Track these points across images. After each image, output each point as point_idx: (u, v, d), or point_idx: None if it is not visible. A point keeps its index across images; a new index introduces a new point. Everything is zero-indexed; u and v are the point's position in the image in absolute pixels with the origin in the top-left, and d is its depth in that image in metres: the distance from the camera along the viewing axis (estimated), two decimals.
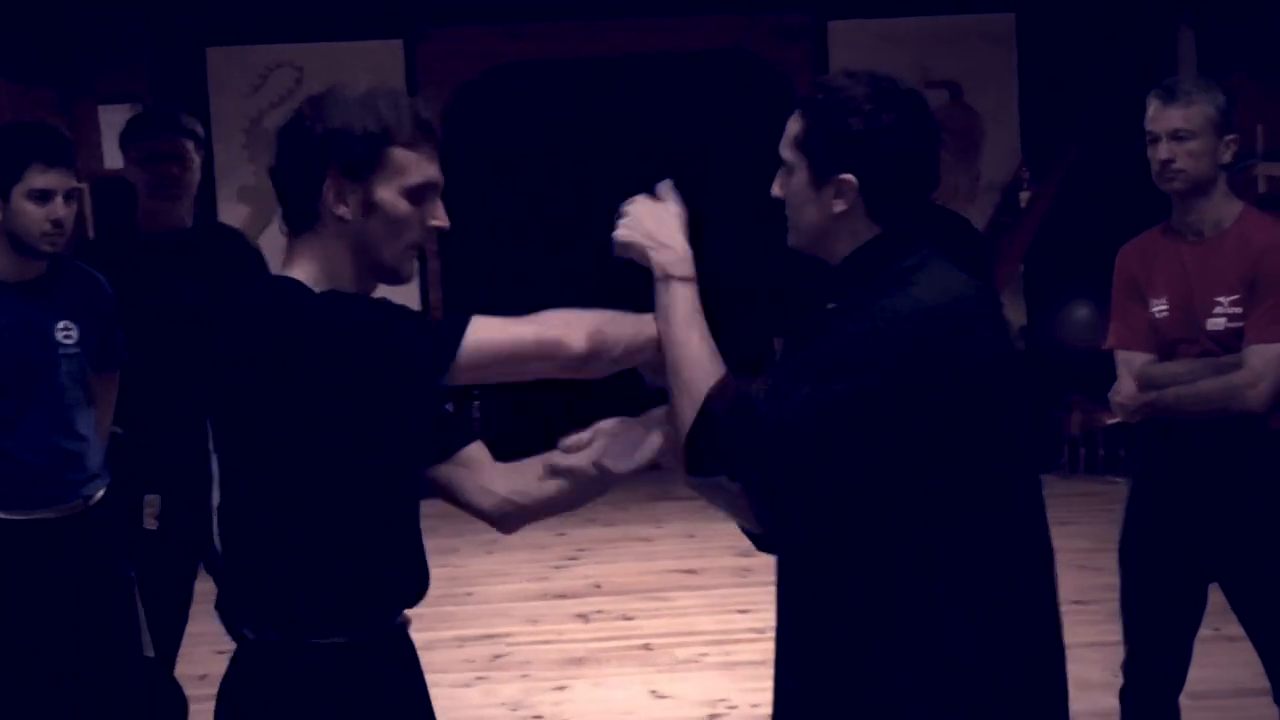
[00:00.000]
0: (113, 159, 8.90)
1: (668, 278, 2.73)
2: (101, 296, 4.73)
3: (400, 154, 2.72)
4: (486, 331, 2.63)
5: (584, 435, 2.87)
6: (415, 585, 2.87)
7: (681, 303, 2.72)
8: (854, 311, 2.66)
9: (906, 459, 2.59)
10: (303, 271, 2.74)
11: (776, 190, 2.83)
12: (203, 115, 8.83)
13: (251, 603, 2.78)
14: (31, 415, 4.52)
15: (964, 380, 2.59)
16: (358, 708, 2.76)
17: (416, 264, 2.89)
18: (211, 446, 2.81)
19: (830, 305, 2.78)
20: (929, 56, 9.83)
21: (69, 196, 4.49)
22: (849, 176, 2.70)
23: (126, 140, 5.36)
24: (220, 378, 2.74)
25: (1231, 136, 4.35)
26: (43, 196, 4.42)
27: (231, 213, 9.23)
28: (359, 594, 2.75)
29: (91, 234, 8.68)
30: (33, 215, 4.41)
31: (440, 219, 2.79)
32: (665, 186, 2.90)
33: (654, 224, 2.81)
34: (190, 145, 5.24)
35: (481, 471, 2.96)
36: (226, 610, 2.83)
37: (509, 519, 2.96)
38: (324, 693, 2.73)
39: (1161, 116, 4.36)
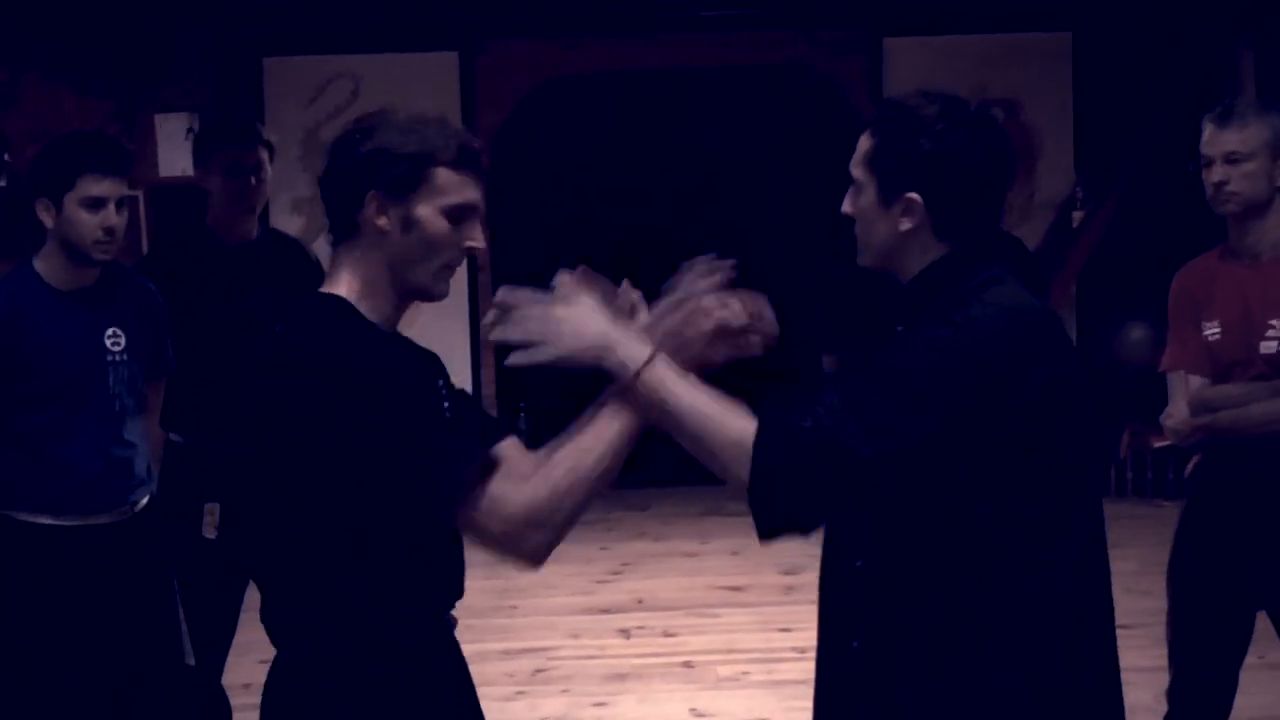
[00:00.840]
0: (168, 167, 8.98)
1: (639, 369, 2.67)
2: (153, 305, 4.76)
3: (443, 174, 2.78)
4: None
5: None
6: (449, 590, 2.88)
7: (669, 379, 2.67)
8: (924, 329, 2.66)
9: (989, 476, 2.59)
10: (345, 286, 2.81)
11: (847, 207, 2.84)
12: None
13: (291, 610, 2.80)
14: (83, 422, 4.55)
15: (1039, 386, 2.59)
16: (401, 712, 2.77)
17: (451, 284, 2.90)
18: (251, 456, 2.82)
19: (899, 328, 2.78)
20: (985, 74, 9.78)
21: (121, 204, 4.52)
22: (915, 195, 2.72)
23: (206, 148, 5.35)
24: (261, 393, 2.77)
25: None
26: (96, 204, 4.44)
27: (286, 223, 9.25)
28: (393, 600, 2.76)
29: (146, 242, 8.73)
30: (86, 223, 4.44)
31: (476, 240, 2.82)
32: (564, 279, 2.80)
33: (579, 326, 2.73)
34: (267, 156, 5.29)
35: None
36: (269, 617, 2.85)
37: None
38: (366, 697, 2.75)
39: (1216, 139, 4.34)
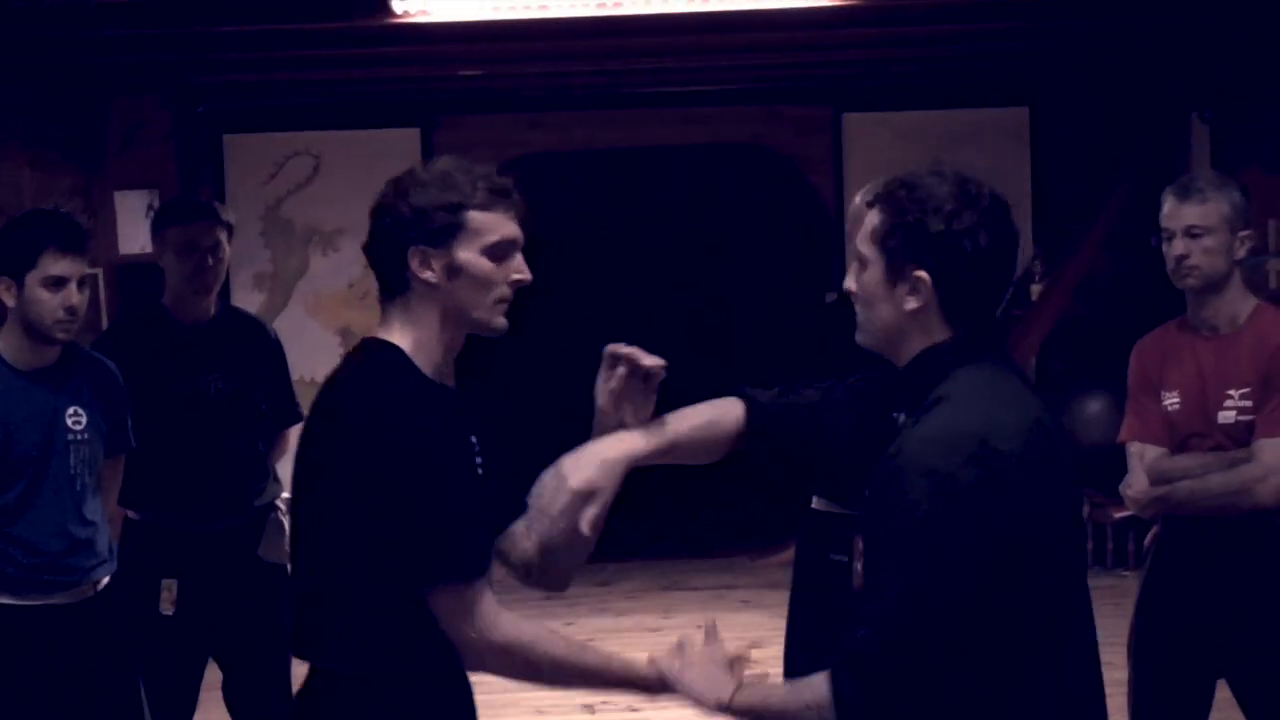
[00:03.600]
0: (129, 244, 8.94)
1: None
2: (112, 384, 4.74)
3: (476, 216, 2.91)
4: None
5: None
6: None
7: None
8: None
9: (976, 608, 2.54)
10: (400, 336, 2.93)
11: (850, 284, 2.79)
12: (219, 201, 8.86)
13: (324, 634, 2.92)
14: (43, 501, 4.52)
15: (1013, 523, 2.53)
16: None
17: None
18: (291, 495, 2.99)
19: (897, 415, 2.74)
20: (943, 150, 9.82)
21: (83, 283, 4.51)
22: (924, 274, 2.66)
23: (163, 226, 5.30)
24: (311, 426, 2.94)
25: (1246, 232, 4.37)
26: (57, 283, 4.43)
27: (247, 299, 9.25)
28: (416, 638, 2.86)
29: (106, 320, 8.69)
30: (47, 303, 4.43)
31: (522, 273, 2.97)
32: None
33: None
34: (225, 235, 5.25)
35: None
36: (302, 637, 2.97)
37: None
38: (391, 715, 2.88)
39: (1177, 213, 4.37)
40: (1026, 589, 2.56)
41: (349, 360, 2.99)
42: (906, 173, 2.76)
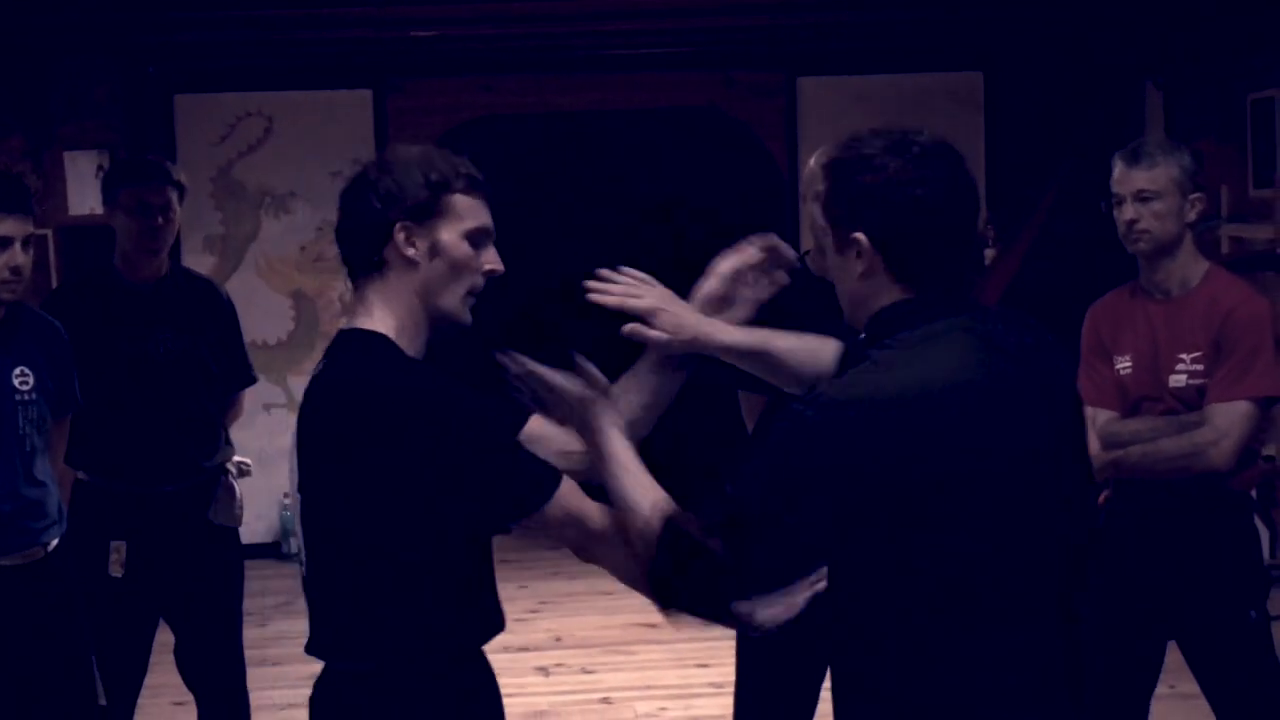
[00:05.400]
0: (78, 205, 8.88)
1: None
2: (58, 343, 4.70)
3: (460, 200, 2.93)
4: (572, 499, 2.80)
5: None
6: (491, 621, 3.00)
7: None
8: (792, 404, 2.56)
9: (862, 569, 2.50)
10: (380, 321, 2.91)
11: (816, 264, 2.75)
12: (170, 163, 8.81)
13: (339, 629, 2.91)
14: None
15: (901, 480, 2.41)
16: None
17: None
18: (296, 488, 2.94)
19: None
20: (897, 115, 9.84)
21: (27, 243, 4.47)
22: (860, 235, 2.56)
23: (114, 186, 5.23)
24: (311, 425, 2.89)
25: (1197, 195, 4.38)
26: (1, 244, 4.39)
27: (198, 261, 9.17)
28: (433, 631, 2.87)
29: (55, 282, 8.63)
30: None
31: (495, 263, 2.98)
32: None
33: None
34: (176, 196, 5.19)
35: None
36: (317, 634, 2.96)
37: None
38: (404, 714, 2.86)
39: (1127, 178, 4.38)
40: (928, 542, 2.44)
41: (334, 357, 2.94)
42: (853, 133, 2.66)
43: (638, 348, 3.07)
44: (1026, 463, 2.51)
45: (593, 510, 2.79)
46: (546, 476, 2.79)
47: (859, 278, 2.60)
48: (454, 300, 2.94)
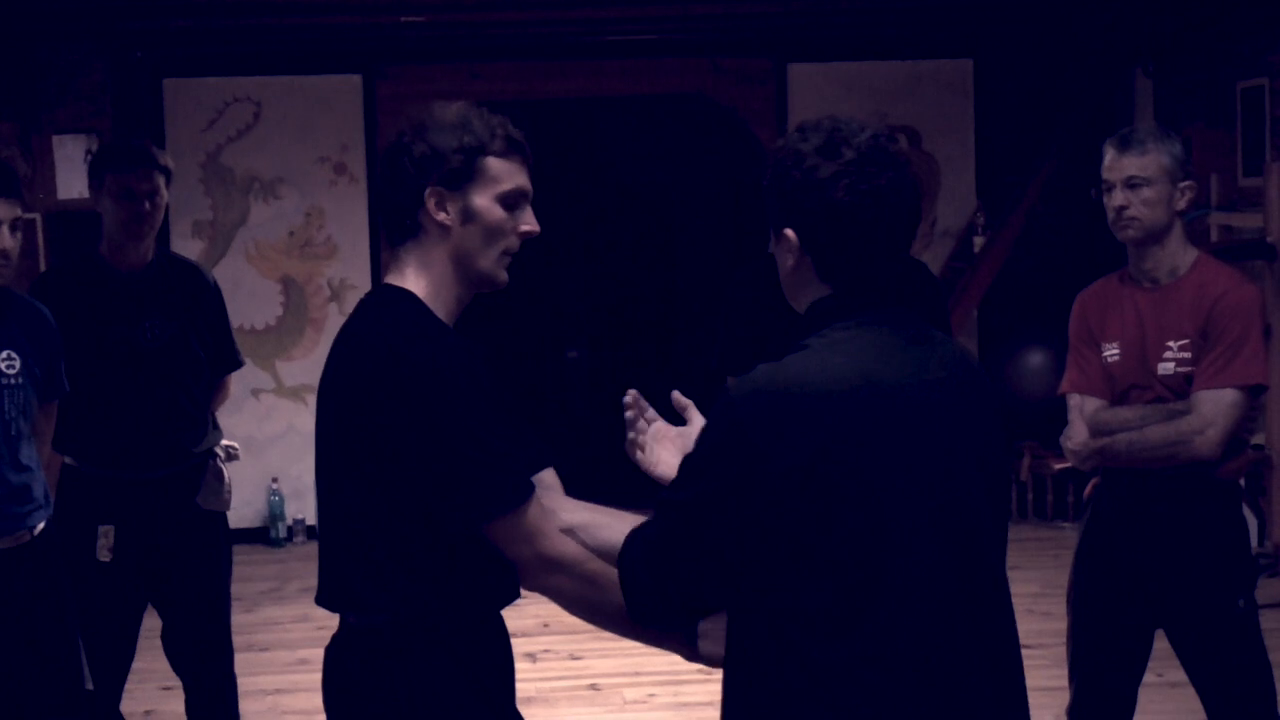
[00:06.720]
0: (66, 190, 8.86)
1: None
2: (45, 328, 4.69)
3: (494, 163, 2.93)
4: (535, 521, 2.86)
5: None
6: (507, 584, 2.96)
7: None
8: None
9: (754, 567, 2.52)
10: (414, 283, 2.93)
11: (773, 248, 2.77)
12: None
13: (353, 585, 2.90)
14: None
15: (780, 479, 2.45)
16: (449, 689, 2.90)
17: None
18: (316, 449, 2.99)
19: None
20: (888, 101, 9.87)
21: (15, 227, 4.45)
22: (789, 231, 2.61)
23: (101, 171, 5.18)
24: (330, 376, 2.94)
25: (1187, 183, 4.38)
26: None
27: (186, 246, 9.16)
28: (443, 590, 2.87)
29: (44, 265, 8.62)
30: None
31: (531, 224, 2.98)
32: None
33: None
34: (162, 181, 5.17)
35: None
36: (329, 588, 2.97)
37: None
38: (418, 671, 2.88)
39: (1117, 164, 4.38)
40: (818, 539, 2.46)
41: (365, 309, 2.96)
42: (803, 121, 2.68)
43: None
44: (936, 460, 2.54)
45: (568, 544, 2.90)
46: (511, 492, 2.82)
47: (789, 270, 2.67)
48: (489, 262, 2.94)
